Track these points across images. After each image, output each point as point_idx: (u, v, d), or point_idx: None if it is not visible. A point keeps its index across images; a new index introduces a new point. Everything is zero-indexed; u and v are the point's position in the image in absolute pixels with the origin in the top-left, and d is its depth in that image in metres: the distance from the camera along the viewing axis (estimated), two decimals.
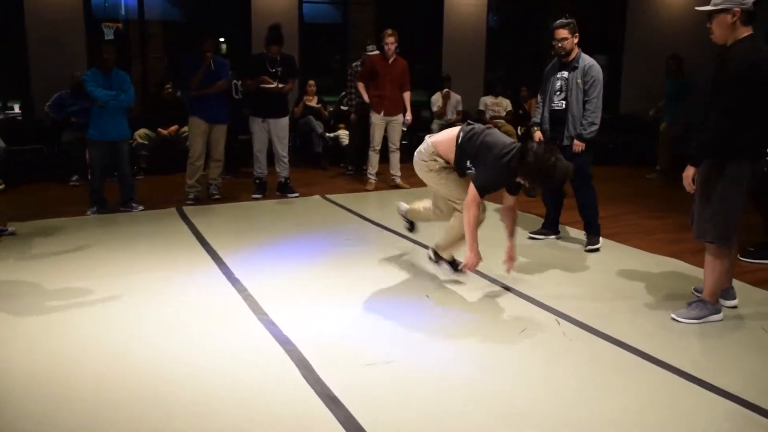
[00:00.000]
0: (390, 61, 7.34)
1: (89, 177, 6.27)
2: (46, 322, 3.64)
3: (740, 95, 3.49)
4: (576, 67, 5.11)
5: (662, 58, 8.90)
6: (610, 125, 10.06)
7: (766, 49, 3.61)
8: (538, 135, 5.30)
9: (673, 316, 3.86)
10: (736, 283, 4.20)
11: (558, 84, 5.20)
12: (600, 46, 11.45)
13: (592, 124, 5.10)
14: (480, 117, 9.67)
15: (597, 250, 5.21)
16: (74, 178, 7.46)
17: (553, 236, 5.59)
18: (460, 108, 9.69)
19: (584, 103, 5.10)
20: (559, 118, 5.19)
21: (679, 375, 3.15)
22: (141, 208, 6.29)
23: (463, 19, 10.44)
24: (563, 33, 5.09)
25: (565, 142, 5.13)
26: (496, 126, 9.33)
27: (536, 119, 5.45)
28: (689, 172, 3.69)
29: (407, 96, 7.51)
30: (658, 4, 10.44)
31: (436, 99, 9.61)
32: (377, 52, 7.72)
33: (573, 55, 5.15)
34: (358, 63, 8.22)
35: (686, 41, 9.07)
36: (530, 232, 5.63)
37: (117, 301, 3.95)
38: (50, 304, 3.89)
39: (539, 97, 5.48)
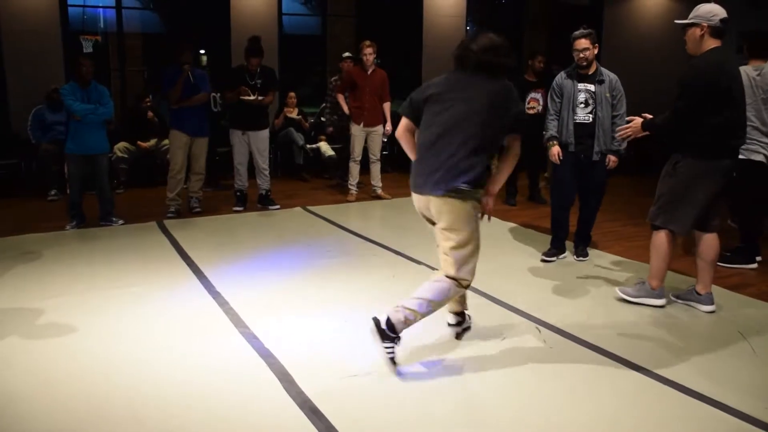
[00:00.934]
0: (369, 72, 7.36)
1: (68, 191, 6.22)
2: (25, 338, 3.60)
3: (691, 100, 3.80)
4: (603, 81, 5.00)
5: (639, 66, 9.01)
6: None
7: (723, 61, 3.88)
8: (556, 149, 5.06)
9: (617, 289, 4.34)
10: (714, 288, 4.26)
11: (582, 96, 5.02)
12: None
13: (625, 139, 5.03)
14: None
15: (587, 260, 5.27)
16: (52, 192, 7.39)
17: (563, 256, 5.33)
18: None
19: (613, 117, 5.00)
20: (586, 132, 5.02)
21: (656, 380, 3.19)
22: (121, 222, 6.24)
23: (442, 29, 10.51)
24: (584, 43, 4.95)
25: (594, 157, 5.02)
26: None
27: (553, 132, 5.13)
28: (638, 124, 4.05)
29: (387, 107, 7.53)
30: (633, 14, 10.60)
31: None
32: (349, 54, 8.08)
33: (594, 67, 5.03)
34: (337, 78, 8.29)
35: (661, 50, 9.21)
36: (543, 254, 5.32)
37: (97, 316, 3.92)
38: (29, 320, 3.85)
39: (550, 108, 5.20)
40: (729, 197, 5.19)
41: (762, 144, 4.96)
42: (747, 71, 4.94)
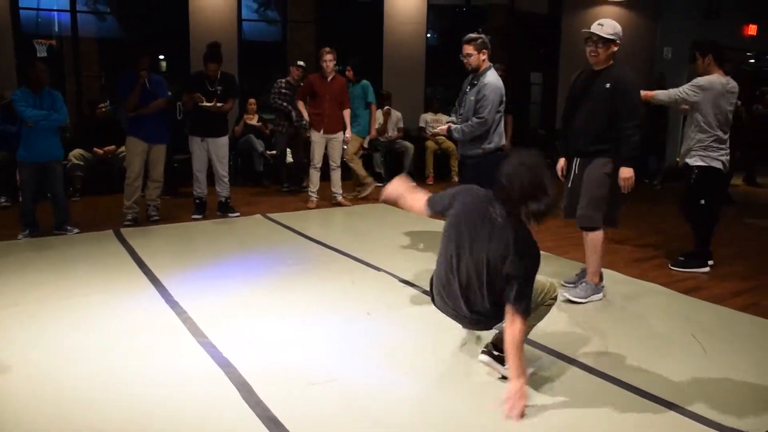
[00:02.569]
0: (329, 79, 7.36)
1: (20, 199, 6.06)
2: None
3: (638, 111, 4.24)
4: (475, 84, 5.03)
5: None
6: (547, 140, 10.36)
7: (631, 75, 4.30)
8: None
9: (566, 294, 4.40)
10: (668, 292, 4.37)
11: (464, 100, 5.14)
12: (536, 64, 11.76)
13: (473, 141, 5.03)
14: (421, 134, 9.79)
15: None
16: (2, 199, 7.21)
17: None
18: (401, 125, 9.79)
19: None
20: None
21: (609, 381, 3.24)
22: (76, 230, 6.11)
23: (402, 37, 10.57)
24: (468, 49, 5.00)
25: (462, 160, 5.25)
26: (436, 143, 9.56)
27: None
28: (631, 173, 4.26)
29: (347, 114, 7.53)
30: (591, 23, 10.77)
31: (377, 117, 9.68)
32: (302, 64, 8.31)
33: (479, 72, 5.05)
34: (285, 82, 8.28)
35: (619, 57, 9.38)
36: None
37: (49, 327, 3.83)
38: None
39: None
40: (684, 203, 5.32)
41: (722, 152, 5.09)
42: (720, 81, 5.05)
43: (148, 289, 4.57)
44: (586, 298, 4.40)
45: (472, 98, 4.99)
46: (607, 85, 4.23)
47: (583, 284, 4.47)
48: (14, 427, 2.75)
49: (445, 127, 5.19)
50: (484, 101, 4.93)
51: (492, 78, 4.99)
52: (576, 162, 4.44)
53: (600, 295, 4.47)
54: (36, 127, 5.71)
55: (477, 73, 5.06)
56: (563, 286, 4.64)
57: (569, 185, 4.49)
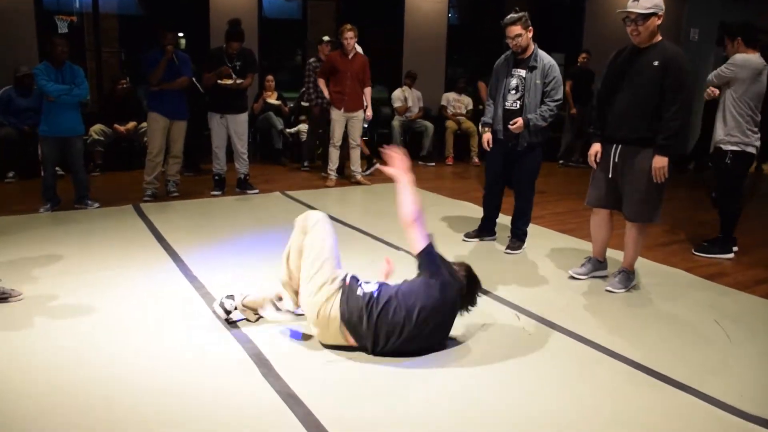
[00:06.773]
0: (350, 57, 7.30)
1: (42, 174, 6.09)
2: None
3: (689, 90, 3.95)
4: (535, 67, 4.79)
5: None
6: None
7: (682, 51, 3.99)
8: (487, 137, 5.02)
9: (608, 287, 4.27)
10: (691, 277, 4.29)
11: (514, 82, 4.86)
12: (559, 44, 11.59)
13: (546, 129, 4.94)
14: (443, 113, 9.72)
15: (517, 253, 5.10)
16: (10, 174, 7.26)
17: (489, 239, 5.36)
18: (421, 104, 9.72)
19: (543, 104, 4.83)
20: (513, 119, 4.83)
21: (634, 367, 3.20)
22: (96, 205, 6.14)
23: (424, 15, 10.46)
24: (516, 29, 4.70)
25: (520, 148, 4.90)
26: (457, 123, 9.47)
27: (487, 119, 5.04)
28: (664, 162, 3.93)
29: (368, 92, 7.48)
30: (616, 5, 10.59)
31: (398, 95, 9.61)
32: (328, 39, 8.12)
33: (529, 52, 4.82)
34: (315, 59, 8.21)
35: None
36: (464, 235, 5.38)
37: (70, 300, 3.85)
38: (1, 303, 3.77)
39: (490, 93, 5.05)
40: (714, 188, 5.22)
41: (757, 136, 4.98)
42: (758, 60, 4.92)
43: (166, 263, 4.58)
44: (626, 288, 4.26)
45: (538, 81, 4.79)
46: (656, 63, 3.88)
47: (623, 274, 4.29)
48: (32, 398, 2.77)
49: (520, 122, 4.78)
50: (555, 83, 4.80)
51: (551, 58, 4.84)
52: (616, 149, 4.10)
53: (634, 282, 4.33)
54: (57, 101, 5.73)
55: (526, 53, 4.83)
56: (572, 278, 4.50)
57: (609, 175, 4.16)
